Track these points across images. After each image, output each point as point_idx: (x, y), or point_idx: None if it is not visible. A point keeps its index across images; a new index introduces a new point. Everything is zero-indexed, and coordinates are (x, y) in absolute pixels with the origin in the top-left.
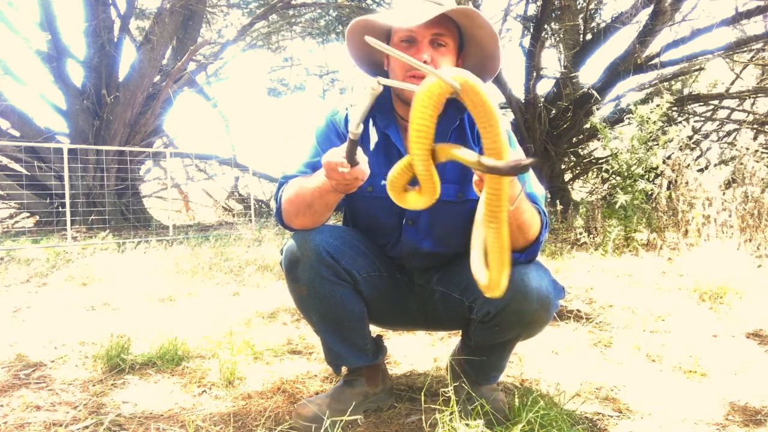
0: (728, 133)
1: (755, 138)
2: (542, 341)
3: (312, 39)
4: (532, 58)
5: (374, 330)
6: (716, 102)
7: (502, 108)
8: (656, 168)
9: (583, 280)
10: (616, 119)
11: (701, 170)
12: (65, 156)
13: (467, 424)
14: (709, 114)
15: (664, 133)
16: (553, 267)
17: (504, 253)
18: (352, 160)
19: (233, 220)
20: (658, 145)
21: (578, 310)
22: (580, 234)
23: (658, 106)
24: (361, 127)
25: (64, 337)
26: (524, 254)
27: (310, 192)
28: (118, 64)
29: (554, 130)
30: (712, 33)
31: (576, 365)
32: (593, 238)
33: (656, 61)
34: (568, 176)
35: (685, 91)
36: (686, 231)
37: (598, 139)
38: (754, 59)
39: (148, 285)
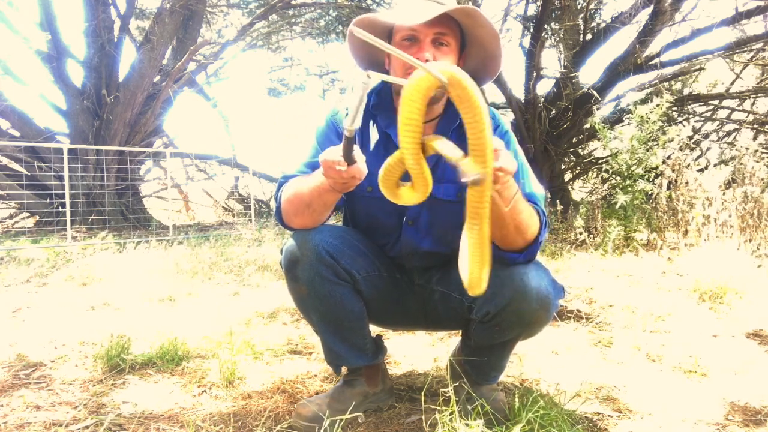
0: (728, 133)
1: (755, 138)
2: (542, 341)
3: (312, 39)
4: (532, 58)
5: (374, 330)
6: (716, 102)
7: (502, 108)
8: (656, 168)
9: (583, 280)
10: (616, 119)
11: (701, 170)
12: (65, 156)
13: (467, 424)
14: (709, 114)
15: (664, 133)
16: (553, 267)
17: (485, 251)
18: (348, 159)
19: (233, 220)
20: (657, 145)
21: (578, 310)
22: (580, 234)
23: (657, 106)
24: (357, 123)
25: (64, 337)
26: (523, 254)
27: (309, 191)
28: (118, 64)
29: (554, 130)
30: (712, 33)
31: (576, 365)
32: (593, 238)
33: (656, 61)
34: (568, 176)
35: (685, 91)
36: (686, 231)
37: (598, 139)
38: (754, 59)
39: (148, 285)
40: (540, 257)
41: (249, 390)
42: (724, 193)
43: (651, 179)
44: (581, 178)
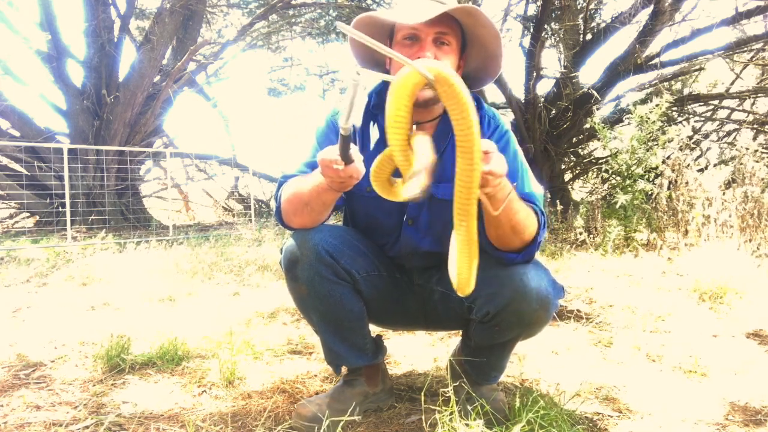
0: (728, 133)
1: (755, 138)
2: (542, 341)
3: (312, 39)
4: (532, 58)
5: (374, 330)
6: (716, 102)
7: (502, 108)
8: (656, 168)
9: (583, 280)
10: (616, 119)
11: (701, 170)
12: (65, 156)
13: (467, 424)
14: (709, 114)
15: (664, 133)
16: (553, 267)
17: (473, 250)
18: (345, 158)
19: (233, 220)
20: (657, 145)
21: (578, 310)
22: (580, 234)
23: (657, 106)
24: (352, 122)
25: (64, 337)
26: (521, 255)
27: (308, 191)
28: (118, 64)
29: (554, 130)
30: (712, 33)
31: (576, 365)
32: (593, 238)
33: (656, 61)
34: (568, 176)
35: (685, 91)
36: (686, 231)
37: (598, 139)
38: (754, 59)
39: (148, 285)
40: (540, 257)
41: (249, 390)
42: (724, 193)
43: (651, 179)
44: (581, 178)
